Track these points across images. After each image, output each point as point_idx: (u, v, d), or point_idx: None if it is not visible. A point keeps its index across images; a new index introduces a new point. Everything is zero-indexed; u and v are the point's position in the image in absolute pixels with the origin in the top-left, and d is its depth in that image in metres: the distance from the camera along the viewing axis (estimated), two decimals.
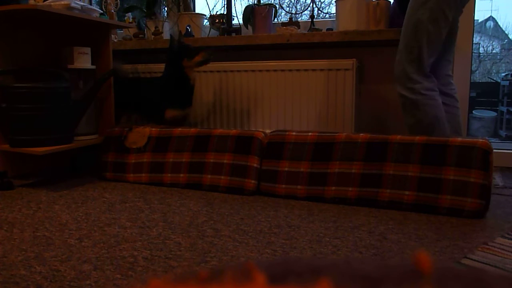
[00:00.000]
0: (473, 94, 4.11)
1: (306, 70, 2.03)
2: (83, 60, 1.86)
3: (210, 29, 2.43)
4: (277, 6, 2.37)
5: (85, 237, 1.17)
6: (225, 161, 1.65)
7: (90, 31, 1.98)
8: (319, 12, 2.42)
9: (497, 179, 1.83)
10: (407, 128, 1.64)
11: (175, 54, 1.89)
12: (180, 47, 1.90)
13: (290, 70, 2.06)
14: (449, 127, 1.63)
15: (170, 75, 1.92)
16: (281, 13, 2.57)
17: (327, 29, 2.16)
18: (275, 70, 2.09)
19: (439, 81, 1.65)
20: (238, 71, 2.13)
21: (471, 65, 2.13)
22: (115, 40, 2.44)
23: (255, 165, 1.62)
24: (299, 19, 2.41)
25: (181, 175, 1.71)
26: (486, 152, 1.35)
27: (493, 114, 4.33)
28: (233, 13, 2.37)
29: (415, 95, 1.57)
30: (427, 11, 1.53)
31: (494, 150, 1.39)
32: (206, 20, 2.51)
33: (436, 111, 1.58)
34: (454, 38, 1.71)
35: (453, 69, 2.08)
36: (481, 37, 5.11)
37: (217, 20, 2.36)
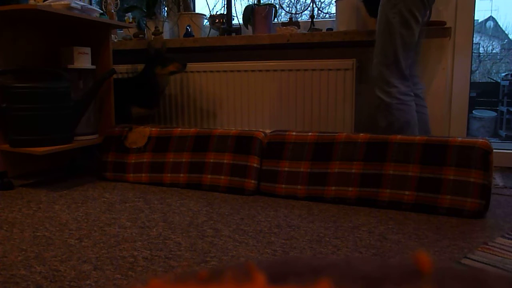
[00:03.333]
0: (473, 94, 4.11)
1: (306, 70, 2.03)
2: (83, 60, 1.86)
3: (210, 29, 2.43)
4: (277, 6, 2.37)
5: (85, 237, 1.17)
6: (225, 161, 1.65)
7: (90, 31, 1.98)
8: (319, 12, 2.42)
9: (497, 179, 1.83)
10: (379, 128, 1.69)
11: (150, 60, 2.08)
12: (156, 55, 2.09)
13: (290, 70, 2.06)
14: (418, 127, 1.69)
15: (143, 79, 2.09)
16: (281, 13, 2.57)
17: (327, 29, 2.16)
18: (275, 70, 2.09)
19: (411, 80, 1.70)
20: (238, 71, 2.13)
21: (471, 65, 2.13)
22: (115, 40, 2.43)
23: (255, 165, 1.62)
24: (299, 19, 2.41)
25: (181, 175, 1.71)
26: (486, 152, 1.35)
27: (493, 114, 4.33)
28: (233, 13, 2.37)
29: (390, 99, 1.62)
30: (397, 14, 1.57)
31: (494, 150, 1.39)
32: (206, 20, 2.51)
33: (408, 117, 1.64)
34: (421, 39, 1.74)
35: (453, 71, 2.09)
36: (481, 37, 5.11)
37: (217, 20, 2.36)
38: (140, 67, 2.31)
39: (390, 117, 1.63)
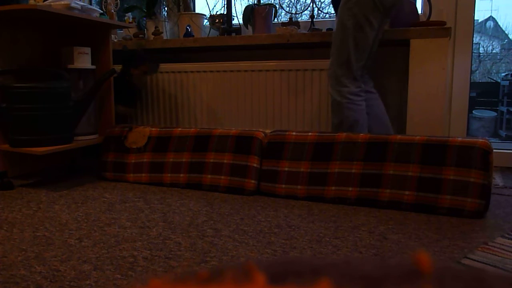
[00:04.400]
0: (473, 94, 4.11)
1: (306, 70, 2.03)
2: (83, 60, 1.86)
3: (210, 29, 2.43)
4: (277, 6, 2.38)
5: (85, 237, 1.17)
6: (225, 161, 1.65)
7: (90, 31, 1.98)
8: (319, 12, 2.42)
9: (497, 179, 1.83)
10: (332, 125, 1.76)
11: (124, 61, 2.14)
12: (130, 56, 2.14)
13: (290, 70, 2.06)
14: (378, 119, 1.78)
15: (120, 79, 2.12)
16: (281, 13, 2.57)
17: (327, 29, 2.16)
18: (275, 70, 2.09)
19: (362, 81, 1.74)
20: (238, 71, 2.13)
21: (471, 65, 2.13)
22: (115, 40, 2.43)
23: (255, 165, 1.62)
24: (299, 19, 2.41)
25: (181, 175, 1.71)
26: (486, 152, 1.35)
27: (493, 114, 4.33)
28: (233, 13, 2.37)
29: (341, 98, 1.68)
30: (352, 17, 1.61)
31: (494, 150, 1.39)
32: (206, 20, 2.51)
33: (357, 116, 1.69)
34: (375, 46, 1.76)
35: (453, 71, 2.09)
36: (481, 37, 5.11)
37: (217, 20, 2.36)
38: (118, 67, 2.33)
39: (340, 115, 1.69)
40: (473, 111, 4.24)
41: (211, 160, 1.68)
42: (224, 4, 2.38)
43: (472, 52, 2.10)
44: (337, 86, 1.68)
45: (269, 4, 2.27)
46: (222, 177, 1.64)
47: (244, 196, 1.59)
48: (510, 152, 2.12)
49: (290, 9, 3.13)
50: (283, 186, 1.56)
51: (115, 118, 2.08)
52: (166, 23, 2.48)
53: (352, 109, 1.68)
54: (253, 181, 1.60)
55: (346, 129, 1.67)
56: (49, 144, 1.66)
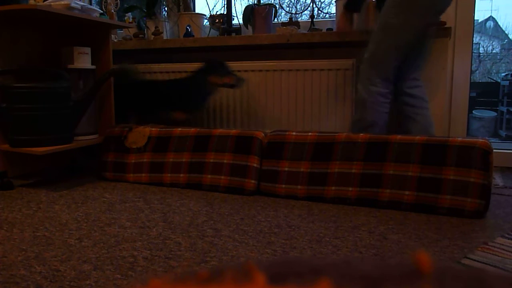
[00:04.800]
0: (473, 94, 4.11)
1: (306, 70, 2.03)
2: (83, 60, 1.86)
3: (210, 29, 2.43)
4: (277, 6, 2.38)
5: (85, 237, 1.17)
6: (225, 161, 1.65)
7: (90, 31, 1.98)
8: (319, 12, 2.42)
9: (497, 179, 1.83)
10: (352, 121, 1.74)
11: (207, 66, 1.99)
12: (217, 63, 2.00)
13: (290, 70, 2.06)
14: (420, 127, 1.71)
15: (194, 84, 1.99)
16: (281, 13, 2.57)
17: (327, 29, 2.16)
18: (275, 70, 2.09)
19: (404, 84, 1.71)
20: (238, 71, 2.13)
21: (471, 65, 2.13)
22: (115, 40, 2.43)
23: (255, 165, 1.62)
24: (299, 19, 2.41)
25: (181, 175, 1.71)
26: (486, 152, 1.35)
27: (493, 114, 4.33)
28: (233, 13, 2.37)
29: (367, 96, 1.65)
30: (397, 15, 1.56)
31: (494, 150, 1.39)
32: (206, 20, 2.51)
33: (377, 118, 1.67)
34: (426, 45, 1.73)
35: (453, 71, 2.09)
36: (481, 37, 5.10)
37: (217, 20, 2.36)
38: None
39: (363, 113, 1.68)
40: (473, 111, 4.24)
41: (211, 160, 1.68)
42: (224, 4, 2.38)
43: (472, 52, 2.10)
44: (366, 83, 1.66)
45: (269, 4, 2.27)
46: (222, 177, 1.64)
47: (244, 196, 1.59)
48: (510, 152, 2.12)
49: (290, 9, 3.13)
50: (283, 186, 1.56)
51: (167, 122, 1.98)
52: (166, 23, 2.48)
53: (375, 110, 1.65)
54: (253, 181, 1.60)
55: (363, 128, 1.65)
56: (49, 144, 1.66)
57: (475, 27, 2.10)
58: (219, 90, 2.07)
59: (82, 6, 1.81)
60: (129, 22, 2.37)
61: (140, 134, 1.83)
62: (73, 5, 1.74)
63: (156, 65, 2.31)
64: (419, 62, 1.76)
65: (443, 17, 1.91)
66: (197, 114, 2.16)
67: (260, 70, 2.11)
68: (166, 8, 2.59)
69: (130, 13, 2.43)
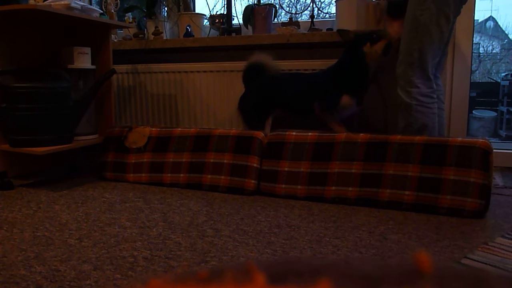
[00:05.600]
0: (473, 94, 4.11)
1: (306, 70, 2.03)
2: (83, 60, 1.86)
3: (210, 29, 2.43)
4: (277, 6, 2.37)
5: (85, 237, 1.17)
6: (225, 161, 1.65)
7: (90, 31, 1.98)
8: (319, 12, 2.42)
9: (497, 179, 1.83)
10: (398, 128, 1.64)
11: (356, 39, 1.79)
12: (365, 33, 1.80)
13: (290, 70, 2.06)
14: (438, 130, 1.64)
15: (347, 62, 1.80)
16: (281, 13, 2.57)
17: (327, 29, 2.16)
18: None
19: (435, 81, 1.65)
20: (238, 71, 2.13)
21: (471, 65, 2.13)
22: (115, 40, 2.43)
23: (255, 165, 1.62)
24: (299, 19, 2.41)
25: (181, 175, 1.71)
26: (486, 152, 1.35)
27: (493, 114, 4.33)
28: (233, 13, 2.37)
29: (410, 100, 1.58)
30: (426, 11, 1.51)
31: (494, 150, 1.39)
32: (206, 20, 2.51)
33: (426, 120, 1.58)
34: (449, 39, 1.70)
35: (453, 71, 2.09)
36: (481, 37, 5.11)
37: (217, 20, 2.36)
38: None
39: (409, 118, 1.59)
40: (473, 111, 4.24)
41: (211, 160, 1.68)
42: (224, 4, 2.38)
43: (472, 52, 2.10)
44: (406, 86, 1.58)
45: (269, 4, 2.27)
46: (222, 177, 1.64)
47: (244, 196, 1.59)
48: (510, 152, 2.12)
49: (290, 9, 3.13)
50: (283, 186, 1.56)
51: (339, 111, 1.78)
52: (166, 23, 2.48)
53: (422, 112, 1.57)
54: (253, 181, 1.60)
55: (414, 132, 1.56)
56: (49, 144, 1.66)
57: (475, 27, 2.10)
58: (374, 61, 1.78)
59: (82, 6, 1.81)
60: (129, 22, 2.37)
61: (140, 134, 1.83)
62: (73, 5, 1.74)
63: (156, 65, 2.31)
64: (442, 59, 1.70)
65: None
66: (364, 96, 1.85)
67: None
68: (166, 8, 2.59)
69: (130, 13, 2.43)
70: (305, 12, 2.53)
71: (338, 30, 1.87)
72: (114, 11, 2.26)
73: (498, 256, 1.02)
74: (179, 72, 2.26)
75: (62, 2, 1.72)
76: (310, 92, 1.83)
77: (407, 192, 1.40)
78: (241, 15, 2.31)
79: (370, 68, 1.78)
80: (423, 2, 1.51)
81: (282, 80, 1.90)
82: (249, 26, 2.33)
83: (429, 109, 1.59)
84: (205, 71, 2.21)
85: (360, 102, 1.82)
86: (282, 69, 2.01)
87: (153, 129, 1.83)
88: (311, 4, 2.26)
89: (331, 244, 1.12)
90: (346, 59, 1.81)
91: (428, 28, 1.52)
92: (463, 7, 1.64)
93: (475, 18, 2.08)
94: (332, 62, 1.99)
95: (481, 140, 1.38)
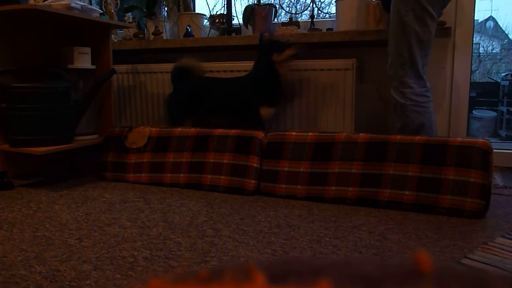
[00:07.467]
0: (473, 94, 4.11)
1: (306, 70, 2.03)
2: (83, 60, 1.86)
3: (210, 29, 2.43)
4: (277, 6, 2.37)
5: (85, 237, 1.17)
6: (225, 161, 1.65)
7: (90, 31, 1.98)
8: (319, 12, 2.42)
9: (497, 179, 1.83)
10: (394, 129, 1.65)
11: (263, 48, 1.87)
12: (270, 41, 1.89)
13: (290, 70, 2.05)
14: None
15: (260, 71, 1.88)
16: (281, 13, 2.57)
17: (327, 29, 2.16)
18: None
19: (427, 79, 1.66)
20: (238, 71, 2.13)
21: (471, 65, 2.13)
22: (115, 40, 2.44)
23: (255, 165, 1.62)
24: (299, 19, 2.41)
25: (181, 175, 1.71)
26: (486, 152, 1.35)
27: (493, 114, 4.33)
28: (233, 13, 2.37)
29: (405, 100, 1.58)
30: (410, 11, 1.52)
31: (494, 150, 1.39)
32: (206, 20, 2.51)
33: (423, 119, 1.58)
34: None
35: (453, 71, 2.09)
36: (481, 37, 5.11)
37: (217, 20, 2.36)
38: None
39: (405, 119, 1.59)
40: (473, 111, 4.24)
41: (211, 160, 1.68)
42: (224, 4, 2.38)
43: (472, 52, 2.10)
44: (400, 87, 1.58)
45: (269, 4, 2.27)
46: (222, 177, 1.64)
47: (244, 196, 1.59)
48: (510, 152, 2.12)
49: (290, 9, 3.13)
50: (283, 186, 1.56)
51: (259, 124, 1.86)
52: (166, 23, 2.48)
53: (418, 112, 1.57)
54: (253, 181, 1.60)
55: (411, 133, 1.56)
56: (49, 144, 1.66)
57: (475, 27, 2.10)
58: (286, 67, 1.89)
59: (82, 6, 1.81)
60: (129, 22, 2.37)
61: (140, 134, 1.83)
62: (73, 5, 1.74)
63: (156, 65, 2.31)
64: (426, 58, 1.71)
65: (443, 17, 1.92)
66: (281, 106, 1.97)
67: None
68: (166, 8, 2.59)
69: (130, 13, 2.43)
70: (305, 12, 2.53)
71: (261, 36, 1.95)
72: (114, 11, 2.26)
73: (498, 256, 1.02)
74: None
75: (62, 2, 1.72)
76: (230, 97, 1.94)
77: (407, 192, 1.40)
78: (241, 15, 2.31)
79: (281, 75, 1.87)
80: (406, 3, 1.52)
81: (206, 83, 2.01)
82: (249, 26, 2.33)
83: (425, 108, 1.59)
84: (205, 71, 2.21)
85: (277, 104, 1.93)
86: (210, 72, 2.14)
87: (153, 129, 1.83)
88: (311, 4, 2.26)
89: (331, 244, 1.12)
90: (258, 68, 1.91)
91: (414, 29, 1.53)
92: (446, 6, 1.65)
93: (475, 18, 2.08)
94: (332, 62, 2.00)
95: (481, 140, 1.38)
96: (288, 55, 1.83)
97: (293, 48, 1.83)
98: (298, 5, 2.99)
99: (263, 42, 1.90)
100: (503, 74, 4.63)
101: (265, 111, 1.88)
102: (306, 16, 2.49)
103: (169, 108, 2.06)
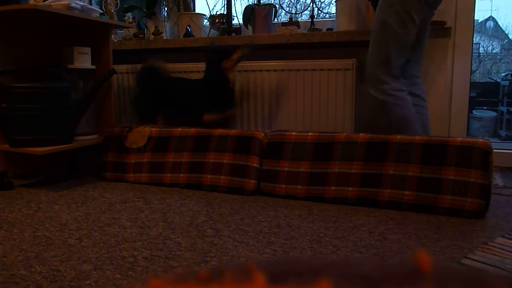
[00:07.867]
0: (473, 94, 4.11)
1: (306, 70, 2.03)
2: (83, 60, 1.86)
3: (210, 29, 2.43)
4: (277, 6, 2.37)
5: (85, 237, 1.17)
6: (225, 161, 1.65)
7: (90, 31, 1.98)
8: (319, 12, 2.42)
9: (497, 179, 1.83)
10: (378, 127, 1.67)
11: (213, 55, 1.92)
12: (217, 49, 1.94)
13: (290, 70, 2.06)
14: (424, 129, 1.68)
15: (209, 78, 1.94)
16: (281, 13, 2.57)
17: (327, 29, 2.16)
18: (275, 70, 2.09)
19: (405, 81, 1.68)
20: (238, 71, 2.13)
21: (471, 65, 2.13)
22: (115, 40, 2.43)
23: (255, 165, 1.62)
24: (299, 19, 2.41)
25: (181, 175, 1.71)
26: (486, 152, 1.35)
27: (493, 114, 4.33)
28: (233, 13, 2.37)
29: (384, 96, 1.61)
30: (394, 13, 1.57)
31: (494, 150, 1.39)
32: (206, 20, 2.51)
33: (405, 111, 1.62)
34: (423, 40, 1.73)
35: (453, 71, 2.09)
36: (481, 37, 5.11)
37: (217, 20, 2.36)
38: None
39: (388, 114, 1.62)
40: (473, 111, 4.24)
41: (211, 160, 1.68)
42: (224, 4, 2.38)
43: (472, 52, 2.10)
44: (377, 85, 1.62)
45: (269, 4, 2.27)
46: (222, 177, 1.64)
47: (244, 196, 1.59)
48: (510, 152, 2.12)
49: (290, 9, 3.13)
50: (283, 186, 1.56)
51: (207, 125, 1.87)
52: (166, 23, 2.48)
53: (398, 105, 1.60)
54: (253, 181, 1.60)
55: (396, 128, 1.59)
56: (49, 144, 1.66)
57: (475, 27, 2.10)
58: (234, 72, 1.95)
59: (82, 6, 1.81)
60: (129, 22, 2.37)
61: (140, 134, 1.83)
62: (73, 5, 1.74)
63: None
64: (417, 58, 1.75)
65: (443, 17, 1.92)
66: (231, 111, 2.01)
67: (260, 70, 2.11)
68: (166, 8, 2.59)
69: (130, 13, 2.43)
70: (305, 12, 2.53)
71: (212, 43, 2.04)
72: (114, 11, 2.26)
73: (498, 256, 1.02)
74: (179, 72, 2.25)
75: (62, 2, 1.72)
76: (189, 97, 1.99)
77: (407, 192, 1.40)
78: (241, 15, 2.31)
79: (231, 79, 1.92)
80: (392, 5, 1.56)
81: (170, 84, 2.05)
82: (249, 26, 2.33)
83: (405, 101, 1.63)
84: (203, 71, 2.21)
85: (226, 111, 1.97)
86: (174, 73, 2.18)
87: (153, 129, 1.83)
88: (311, 4, 2.26)
89: (331, 244, 1.12)
90: (208, 77, 1.95)
91: (395, 31, 1.58)
92: (438, 10, 1.68)
93: (475, 18, 2.08)
94: (333, 61, 2.00)
95: (481, 140, 1.38)
96: (236, 58, 1.88)
97: (240, 50, 1.88)
98: (298, 5, 2.99)
99: (209, 52, 1.96)
100: (503, 74, 4.63)
101: (208, 118, 1.92)
102: (306, 16, 2.50)
103: (137, 109, 2.14)
